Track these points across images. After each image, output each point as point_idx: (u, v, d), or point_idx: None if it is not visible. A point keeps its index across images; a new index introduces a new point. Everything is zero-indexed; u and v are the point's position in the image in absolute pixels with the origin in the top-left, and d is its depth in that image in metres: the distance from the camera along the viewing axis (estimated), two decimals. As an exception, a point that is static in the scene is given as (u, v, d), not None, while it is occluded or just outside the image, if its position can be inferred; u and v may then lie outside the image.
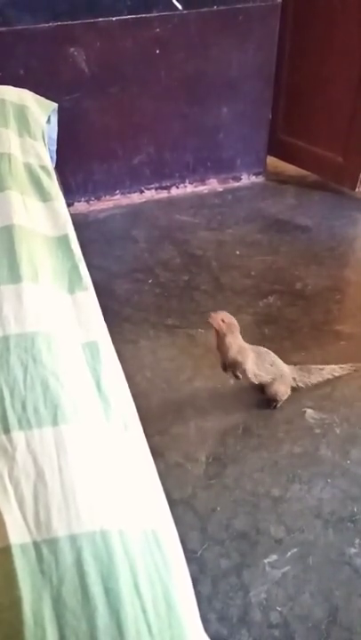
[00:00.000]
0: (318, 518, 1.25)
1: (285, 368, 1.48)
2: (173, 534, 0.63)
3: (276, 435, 1.45)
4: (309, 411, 1.51)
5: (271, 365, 1.46)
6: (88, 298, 0.92)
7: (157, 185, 2.47)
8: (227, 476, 1.35)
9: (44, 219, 1.09)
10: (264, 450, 1.41)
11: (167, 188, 2.49)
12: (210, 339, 1.76)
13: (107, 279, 2.01)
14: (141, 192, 2.47)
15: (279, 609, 1.11)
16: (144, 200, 2.46)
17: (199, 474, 1.36)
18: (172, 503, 0.73)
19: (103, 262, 2.09)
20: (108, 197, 2.41)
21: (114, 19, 2.04)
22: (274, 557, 1.19)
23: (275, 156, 2.60)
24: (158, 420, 1.49)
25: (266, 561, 1.19)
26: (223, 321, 1.40)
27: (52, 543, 0.55)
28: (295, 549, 1.20)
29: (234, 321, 1.42)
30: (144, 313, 1.87)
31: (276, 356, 1.48)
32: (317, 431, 1.45)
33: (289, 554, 1.20)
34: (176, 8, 2.07)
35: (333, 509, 1.27)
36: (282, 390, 1.48)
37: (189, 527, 1.23)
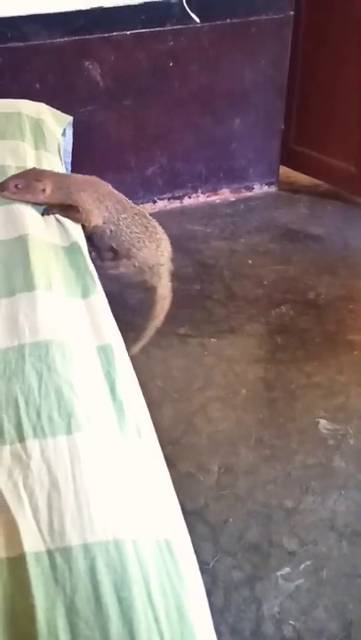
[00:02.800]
0: (332, 531, 1.24)
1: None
2: (187, 544, 0.63)
3: (288, 445, 1.44)
4: (323, 421, 1.49)
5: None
6: (101, 301, 0.93)
7: (170, 195, 2.49)
8: (239, 486, 1.34)
9: (57, 228, 1.11)
10: (277, 461, 1.40)
11: (180, 198, 2.51)
12: (222, 348, 1.76)
13: (119, 289, 2.02)
14: (154, 202, 2.49)
15: (292, 623, 1.09)
16: (157, 210, 2.48)
17: (211, 484, 1.35)
18: (184, 513, 0.72)
19: (115, 272, 2.10)
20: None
21: (128, 32, 2.08)
22: (287, 570, 1.18)
23: (287, 165, 2.61)
24: (170, 429, 1.49)
25: (279, 574, 1.17)
26: (17, 186, 1.13)
27: (66, 552, 0.55)
28: (309, 562, 1.19)
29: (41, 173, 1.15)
30: (156, 322, 1.87)
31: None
32: (331, 442, 1.43)
33: (302, 567, 1.18)
34: (192, 21, 2.10)
35: (348, 522, 1.25)
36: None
37: (201, 538, 1.23)
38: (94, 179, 1.26)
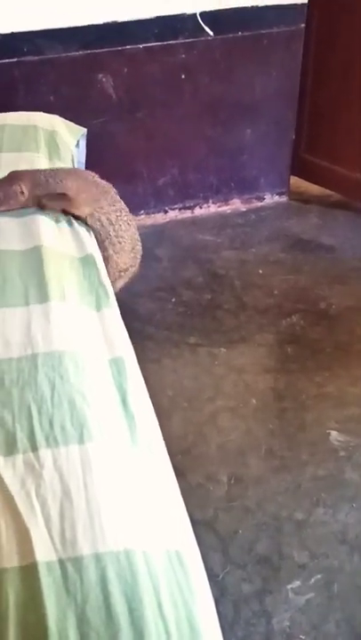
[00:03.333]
0: (343, 544, 1.22)
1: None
2: (197, 556, 0.63)
3: (299, 457, 1.43)
4: (334, 433, 1.48)
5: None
6: (113, 314, 0.94)
7: (181, 205, 2.51)
8: (249, 497, 1.33)
9: (71, 239, 1.12)
10: (287, 472, 1.39)
11: (191, 208, 2.52)
12: (232, 358, 1.76)
13: (130, 298, 2.03)
14: (165, 212, 2.50)
15: (303, 637, 1.08)
16: (168, 220, 2.50)
17: (221, 495, 1.34)
18: (194, 524, 0.72)
19: (127, 281, 2.12)
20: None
21: (141, 46, 2.11)
22: (297, 583, 1.17)
23: (298, 175, 2.61)
24: (180, 439, 1.49)
25: (289, 587, 1.16)
26: None
27: (77, 561, 0.56)
28: (319, 576, 1.17)
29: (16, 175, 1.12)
30: (166, 331, 1.88)
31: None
32: (342, 454, 1.42)
33: (313, 580, 1.17)
34: (205, 34, 2.13)
35: (359, 535, 1.24)
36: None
37: (211, 549, 1.22)
38: (78, 169, 1.26)
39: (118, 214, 1.24)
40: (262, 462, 1.42)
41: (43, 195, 1.15)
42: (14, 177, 1.16)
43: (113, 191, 1.26)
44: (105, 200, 1.22)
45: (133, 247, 1.30)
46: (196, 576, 0.59)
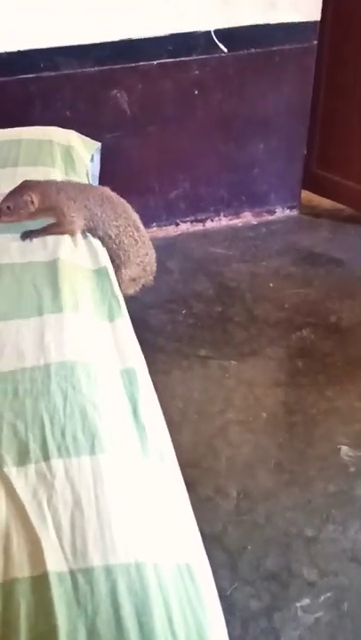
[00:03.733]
0: (354, 561, 1.21)
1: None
2: (207, 570, 0.63)
3: (308, 472, 1.41)
4: (345, 448, 1.47)
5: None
6: (126, 326, 0.95)
7: (193, 218, 2.53)
8: (258, 512, 1.32)
9: (86, 252, 1.14)
10: (297, 487, 1.38)
11: (202, 221, 2.54)
12: (243, 371, 1.76)
13: (141, 309, 2.04)
14: (177, 225, 2.52)
15: (312, 657, 1.06)
16: (179, 233, 2.52)
17: (230, 509, 1.33)
18: (202, 538, 0.72)
19: (138, 293, 2.13)
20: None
21: (155, 62, 2.15)
22: (306, 601, 1.15)
23: (309, 190, 2.62)
24: (189, 451, 1.48)
25: (298, 604, 1.14)
26: (9, 208, 1.13)
27: (88, 573, 0.56)
28: (329, 594, 1.15)
29: (26, 186, 1.12)
30: (177, 343, 1.88)
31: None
32: (353, 470, 1.41)
33: (322, 598, 1.15)
34: (218, 51, 2.16)
35: (370, 553, 1.22)
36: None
37: (219, 564, 1.21)
38: (89, 186, 1.26)
39: (122, 229, 1.24)
40: (272, 477, 1.40)
41: (45, 211, 1.17)
42: (25, 187, 1.17)
43: (121, 208, 1.26)
44: (106, 215, 1.22)
45: (141, 261, 1.30)
46: (207, 591, 0.59)
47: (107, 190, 1.27)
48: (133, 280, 1.33)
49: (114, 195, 1.28)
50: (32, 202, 1.14)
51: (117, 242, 1.23)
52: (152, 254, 1.34)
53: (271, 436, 1.52)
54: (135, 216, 1.31)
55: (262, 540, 1.26)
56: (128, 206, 1.30)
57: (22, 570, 0.57)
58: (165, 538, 0.63)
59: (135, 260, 1.29)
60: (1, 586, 0.56)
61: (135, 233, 1.27)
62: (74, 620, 0.52)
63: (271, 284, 2.15)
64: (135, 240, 1.27)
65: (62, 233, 1.17)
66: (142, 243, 1.30)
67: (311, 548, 1.24)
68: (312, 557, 1.22)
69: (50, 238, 1.13)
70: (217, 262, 2.30)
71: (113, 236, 1.23)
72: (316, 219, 2.58)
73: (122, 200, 1.29)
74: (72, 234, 1.18)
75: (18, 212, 1.15)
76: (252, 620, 1.12)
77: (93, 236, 1.22)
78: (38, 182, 1.19)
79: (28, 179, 1.23)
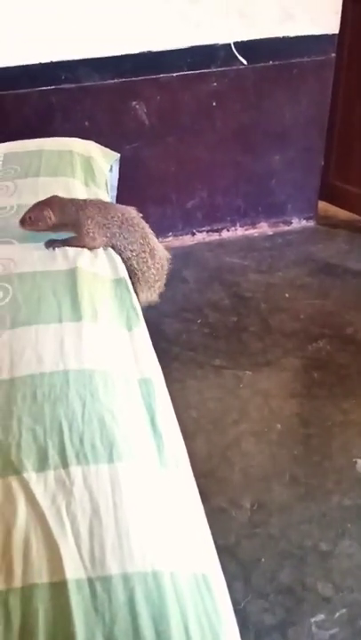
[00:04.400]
0: (370, 578, 1.18)
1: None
2: (222, 581, 0.62)
3: (324, 485, 1.40)
4: (360, 461, 1.45)
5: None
6: (143, 336, 0.96)
7: (209, 228, 2.54)
8: (272, 525, 1.31)
9: (106, 262, 1.15)
10: (312, 500, 1.36)
11: (218, 230, 2.55)
12: (258, 381, 1.75)
13: (156, 318, 2.05)
14: (193, 234, 2.54)
15: (327, 675, 1.04)
16: (195, 242, 2.53)
17: (244, 521, 1.32)
18: (216, 550, 0.72)
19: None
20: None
21: (174, 74, 2.18)
22: (321, 617, 1.13)
23: (326, 200, 2.62)
24: (203, 462, 1.48)
25: (313, 620, 1.13)
26: (30, 218, 1.19)
27: (106, 581, 0.56)
28: (344, 610, 1.14)
29: (48, 202, 1.18)
30: (192, 353, 1.89)
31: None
32: (369, 484, 1.39)
33: (338, 614, 1.13)
34: (236, 63, 2.18)
35: (386, 570, 1.20)
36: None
37: (232, 577, 1.20)
38: (111, 206, 1.29)
39: (135, 254, 1.27)
40: (286, 489, 1.39)
41: (63, 226, 1.21)
42: (47, 202, 1.22)
43: (139, 234, 1.28)
44: (123, 237, 1.25)
45: (150, 286, 1.33)
46: (223, 602, 0.59)
47: (130, 212, 1.29)
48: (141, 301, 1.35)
49: (136, 217, 1.30)
50: (50, 217, 1.19)
51: (129, 265, 1.26)
52: (163, 279, 1.36)
53: (286, 448, 1.51)
54: (154, 242, 1.32)
55: (276, 553, 1.25)
56: (149, 232, 1.32)
57: (41, 576, 0.57)
58: (182, 547, 0.63)
59: (144, 286, 1.32)
60: (20, 590, 0.56)
61: (149, 260, 1.30)
62: (92, 627, 0.52)
63: (287, 295, 2.14)
64: (148, 267, 1.30)
65: (83, 247, 1.20)
66: (156, 270, 1.33)
67: (326, 562, 1.22)
68: (327, 572, 1.20)
69: (70, 249, 1.15)
70: (233, 272, 2.30)
71: (125, 259, 1.26)
72: (332, 229, 2.57)
73: (143, 224, 1.31)
74: (91, 249, 1.21)
75: (37, 223, 1.20)
76: (265, 634, 1.10)
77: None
78: (61, 199, 1.24)
79: (49, 190, 1.26)
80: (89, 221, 1.19)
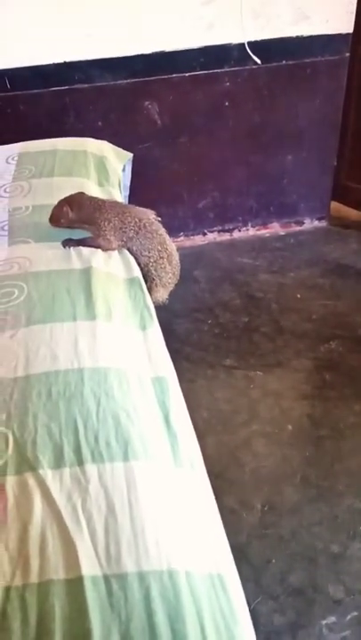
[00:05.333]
0: (381, 581, 1.18)
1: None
2: (238, 581, 0.62)
3: (335, 487, 1.39)
4: (372, 464, 1.44)
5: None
6: (157, 335, 0.96)
7: (220, 228, 2.54)
8: (283, 526, 1.30)
9: (119, 261, 1.16)
10: (323, 502, 1.35)
11: (230, 230, 2.55)
12: (268, 382, 1.75)
13: (167, 318, 2.05)
14: (204, 234, 2.54)
15: None
16: (206, 242, 2.53)
17: (254, 522, 1.32)
18: (228, 550, 0.72)
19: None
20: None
21: (187, 74, 2.18)
22: (332, 619, 1.12)
23: (339, 201, 2.61)
24: (213, 462, 1.48)
25: (323, 622, 1.12)
26: (54, 215, 1.21)
27: (122, 578, 0.56)
28: (355, 613, 1.13)
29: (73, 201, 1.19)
30: (203, 352, 1.88)
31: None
32: (381, 486, 1.38)
33: (349, 617, 1.12)
34: (249, 63, 2.18)
35: None
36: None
37: (242, 577, 1.17)
38: (130, 209, 1.29)
39: (152, 260, 1.28)
40: (297, 491, 1.38)
41: (82, 224, 1.23)
42: (68, 199, 1.25)
43: (157, 240, 1.29)
44: (140, 242, 1.26)
45: (166, 283, 1.33)
46: (238, 602, 0.59)
47: (147, 216, 1.29)
48: (157, 299, 1.36)
49: (155, 223, 1.30)
50: (68, 213, 1.22)
51: (145, 270, 1.27)
52: (176, 281, 1.37)
53: (297, 449, 1.50)
54: (172, 248, 1.33)
55: (287, 555, 1.24)
56: (166, 238, 1.32)
57: (57, 572, 0.57)
58: (197, 547, 0.63)
59: (160, 288, 1.33)
60: (36, 586, 0.56)
61: (167, 266, 1.32)
62: (108, 624, 0.53)
63: (298, 295, 2.13)
64: (165, 272, 1.32)
65: (98, 247, 1.21)
66: (173, 274, 1.34)
67: (337, 564, 1.22)
68: (338, 574, 1.20)
69: (85, 248, 1.16)
70: (244, 272, 2.29)
71: (142, 265, 1.27)
72: (344, 230, 2.56)
73: (162, 230, 1.31)
74: (106, 250, 1.22)
75: (58, 220, 1.23)
76: (275, 636, 1.10)
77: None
78: (82, 197, 1.25)
79: (63, 189, 1.28)
80: (105, 223, 1.20)
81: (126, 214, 1.25)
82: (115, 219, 1.22)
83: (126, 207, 1.30)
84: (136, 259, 1.25)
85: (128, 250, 1.25)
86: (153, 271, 1.28)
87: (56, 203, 1.24)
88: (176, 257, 1.35)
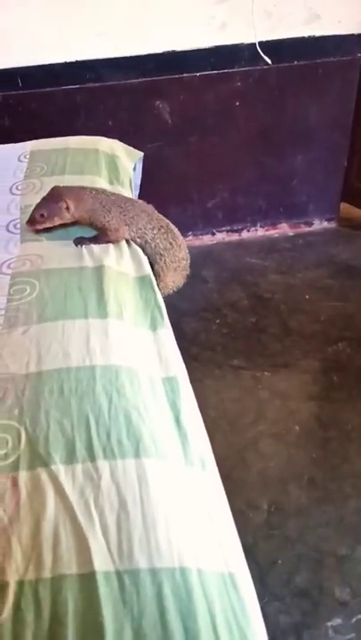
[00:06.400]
0: (388, 584, 1.17)
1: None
2: (250, 581, 0.63)
3: (342, 489, 1.39)
4: (380, 466, 1.44)
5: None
6: (168, 335, 0.96)
7: (229, 228, 2.54)
8: (289, 527, 1.30)
9: (130, 259, 1.16)
10: (330, 504, 1.35)
11: (238, 231, 2.55)
12: (276, 382, 1.74)
13: (175, 317, 2.04)
14: (213, 234, 2.54)
15: None
16: (215, 242, 2.53)
17: (260, 522, 1.32)
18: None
19: (173, 300, 2.13)
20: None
21: (198, 74, 2.18)
22: (338, 621, 1.12)
23: (349, 202, 2.60)
24: (220, 462, 1.46)
25: (329, 624, 1.12)
26: (42, 215, 1.12)
27: (134, 574, 0.56)
28: (361, 615, 1.13)
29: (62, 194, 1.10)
30: (210, 352, 1.89)
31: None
32: (388, 489, 1.37)
33: (354, 619, 1.12)
34: (261, 63, 2.17)
35: None
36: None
37: (249, 577, 1.19)
38: (119, 195, 1.25)
39: (156, 233, 1.25)
40: (304, 492, 1.38)
41: (84, 219, 1.18)
42: (58, 193, 1.15)
43: (155, 215, 1.27)
44: (141, 219, 1.23)
45: (177, 266, 1.31)
46: (250, 601, 0.59)
47: (139, 201, 1.28)
48: (170, 284, 1.35)
49: (149, 206, 1.29)
50: (67, 208, 1.14)
51: (153, 246, 1.23)
52: (188, 259, 1.35)
53: (304, 451, 1.50)
54: (174, 228, 1.31)
55: (293, 556, 1.24)
56: (162, 217, 1.31)
57: (70, 567, 0.58)
58: (209, 545, 0.63)
59: (170, 267, 1.29)
60: (50, 581, 0.57)
61: (173, 241, 1.28)
62: (120, 619, 0.53)
63: (307, 296, 2.13)
64: (171, 245, 1.27)
65: (110, 241, 1.18)
66: (179, 248, 1.30)
67: (344, 566, 1.21)
68: (344, 576, 1.20)
69: (96, 246, 1.16)
70: (252, 273, 2.29)
71: (149, 241, 1.23)
72: (354, 231, 2.55)
73: (157, 213, 1.30)
74: (118, 241, 1.19)
75: (52, 218, 1.14)
76: (281, 636, 1.10)
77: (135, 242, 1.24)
78: (70, 188, 1.18)
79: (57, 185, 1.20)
80: (105, 212, 1.14)
81: (121, 199, 1.21)
82: (113, 206, 1.17)
83: (113, 193, 1.25)
84: (144, 236, 1.21)
85: (134, 231, 1.20)
86: (161, 245, 1.23)
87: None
88: (181, 238, 1.32)
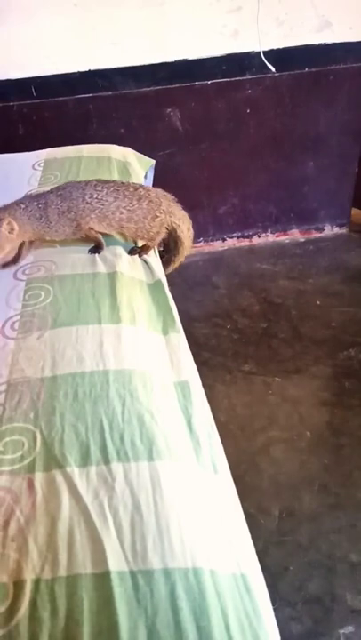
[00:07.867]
0: None
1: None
2: (262, 582, 0.63)
3: (355, 495, 1.38)
4: (392, 473, 1.43)
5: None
6: (180, 339, 0.97)
7: (240, 234, 2.55)
8: (301, 533, 1.30)
9: (141, 265, 1.18)
10: (341, 510, 1.35)
11: (249, 237, 2.56)
12: (287, 388, 1.74)
13: (186, 322, 2.05)
14: (224, 240, 2.55)
15: None
16: (226, 248, 2.54)
17: (272, 528, 1.32)
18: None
19: (184, 306, 2.16)
20: (191, 245, 2.52)
21: (209, 82, 2.20)
22: (350, 629, 1.12)
23: (360, 208, 2.59)
24: (232, 467, 1.46)
25: (341, 632, 1.11)
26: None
27: (148, 574, 0.57)
28: (374, 623, 1.12)
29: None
30: (221, 358, 1.89)
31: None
32: None
33: (367, 627, 1.11)
34: (268, 70, 2.19)
35: None
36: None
37: (260, 583, 1.19)
38: (42, 192, 1.12)
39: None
40: (316, 498, 1.38)
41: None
42: None
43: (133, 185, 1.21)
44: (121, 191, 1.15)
45: (189, 226, 1.31)
46: (263, 603, 0.59)
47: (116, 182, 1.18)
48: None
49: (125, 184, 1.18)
50: (12, 230, 1.02)
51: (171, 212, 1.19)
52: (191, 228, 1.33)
53: (316, 457, 1.49)
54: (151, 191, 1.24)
55: (305, 562, 1.24)
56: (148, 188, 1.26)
57: (85, 566, 0.59)
58: (221, 546, 0.63)
59: (185, 227, 1.28)
60: (65, 580, 0.58)
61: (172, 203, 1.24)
62: (134, 618, 0.54)
63: (318, 302, 2.13)
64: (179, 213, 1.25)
65: (98, 241, 1.14)
66: (182, 215, 1.28)
67: (356, 573, 1.21)
68: (357, 583, 1.19)
69: (108, 253, 1.17)
70: (263, 278, 2.30)
71: (159, 217, 1.17)
72: (365, 237, 2.55)
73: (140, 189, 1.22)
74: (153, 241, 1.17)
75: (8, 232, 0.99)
76: (292, 643, 1.10)
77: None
78: (3, 206, 1.04)
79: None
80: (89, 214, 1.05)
81: (75, 197, 1.06)
82: (97, 204, 1.06)
83: (72, 182, 1.12)
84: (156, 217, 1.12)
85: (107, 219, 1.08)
86: (176, 212, 1.20)
87: None
88: (180, 207, 1.27)
